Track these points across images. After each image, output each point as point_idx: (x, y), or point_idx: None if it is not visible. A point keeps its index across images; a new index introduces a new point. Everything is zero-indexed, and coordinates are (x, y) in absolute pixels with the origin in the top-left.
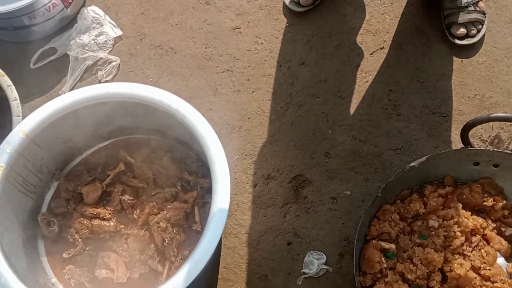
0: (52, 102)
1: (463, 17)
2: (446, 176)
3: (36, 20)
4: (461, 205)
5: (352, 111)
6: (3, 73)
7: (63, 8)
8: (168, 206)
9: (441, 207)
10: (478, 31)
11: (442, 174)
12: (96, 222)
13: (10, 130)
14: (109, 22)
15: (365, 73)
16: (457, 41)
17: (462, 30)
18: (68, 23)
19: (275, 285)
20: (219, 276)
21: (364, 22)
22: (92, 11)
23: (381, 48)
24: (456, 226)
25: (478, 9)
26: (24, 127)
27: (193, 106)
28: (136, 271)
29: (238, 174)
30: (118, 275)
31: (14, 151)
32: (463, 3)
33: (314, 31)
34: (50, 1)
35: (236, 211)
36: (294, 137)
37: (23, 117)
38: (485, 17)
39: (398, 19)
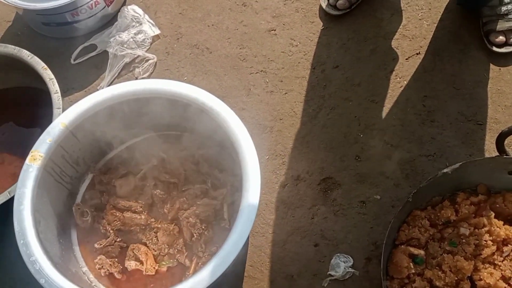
0: (92, 96)
1: (502, 25)
2: (479, 184)
3: (78, 17)
4: (493, 214)
5: (384, 115)
6: (45, 66)
7: (105, 7)
8: (198, 202)
9: (473, 215)
10: None
11: (475, 182)
12: (128, 214)
13: (50, 122)
14: (148, 21)
15: (400, 78)
16: (496, 49)
17: (501, 38)
18: (108, 21)
19: (300, 286)
20: (245, 274)
21: (401, 27)
22: (132, 10)
23: (417, 54)
24: (488, 235)
25: None
26: (64, 119)
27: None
28: (164, 264)
29: (268, 174)
30: (147, 267)
31: (53, 142)
32: (502, 10)
33: (349, 34)
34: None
35: (264, 210)
36: (325, 139)
37: (63, 110)
38: None
39: (436, 25)
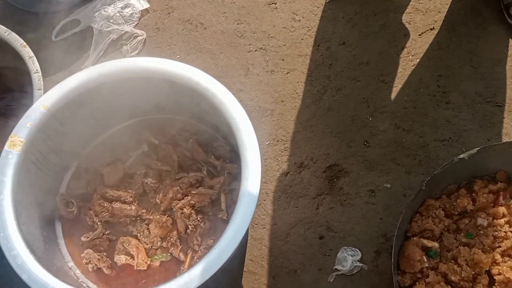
0: (75, 76)
1: None
2: (498, 171)
3: None
4: None
5: (395, 97)
6: (24, 43)
7: None
8: (193, 192)
9: (492, 204)
10: None
11: (494, 169)
12: (116, 205)
13: (31, 104)
14: None
15: (412, 55)
16: None
17: None
18: None
19: (304, 281)
20: (245, 269)
21: None
22: None
23: (431, 29)
24: (507, 225)
25: None
26: (45, 101)
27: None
28: (157, 258)
29: (269, 161)
30: (138, 262)
31: (34, 126)
32: None
33: (357, 8)
34: None
35: (265, 200)
36: (330, 123)
37: (44, 91)
38: None
39: None
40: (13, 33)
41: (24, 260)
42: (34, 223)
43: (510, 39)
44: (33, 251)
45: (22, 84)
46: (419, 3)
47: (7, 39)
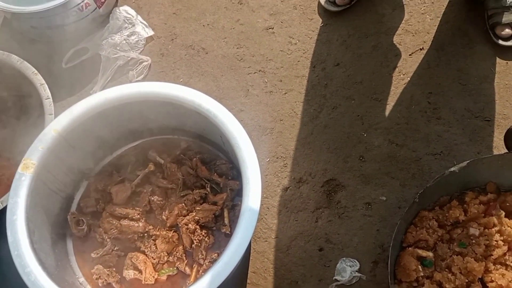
0: (85, 101)
1: (508, 17)
2: (488, 182)
3: (68, 20)
4: (504, 213)
5: (388, 113)
6: (36, 71)
7: (96, 8)
8: (197, 208)
9: (483, 214)
10: None
11: (484, 181)
12: (125, 222)
13: (42, 128)
14: (141, 22)
15: (403, 74)
16: (502, 42)
17: (507, 31)
18: (100, 23)
19: None
20: (248, 281)
21: (403, 22)
22: (124, 11)
23: (420, 49)
24: (498, 234)
25: None
26: (56, 125)
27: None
28: (164, 272)
29: (269, 177)
30: (146, 276)
31: (46, 149)
32: (508, 2)
33: (350, 31)
34: (83, 1)
35: (266, 214)
36: (327, 140)
37: (55, 116)
38: None
39: (439, 19)
40: (25, 62)
41: (37, 277)
42: (46, 241)
43: (496, 57)
44: (45, 268)
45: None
46: (409, 25)
47: (20, 67)
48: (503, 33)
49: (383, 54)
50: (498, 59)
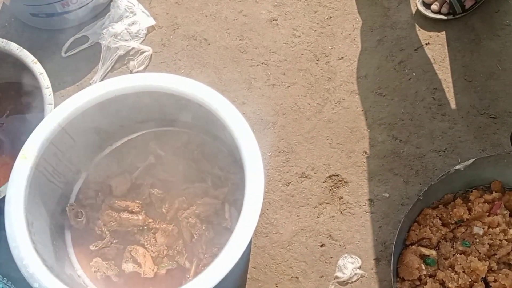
0: (85, 91)
1: None
2: (493, 181)
3: (69, 8)
4: (508, 212)
5: (393, 109)
6: (35, 60)
7: None
8: (198, 202)
9: (487, 213)
10: None
11: (489, 179)
12: (124, 215)
13: (42, 118)
14: (142, 11)
15: (408, 69)
16: (428, 13)
17: (437, 4)
18: (101, 11)
19: None
20: (248, 276)
21: (409, 16)
22: None
23: (426, 44)
24: (503, 234)
25: None
26: (55, 116)
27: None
28: (163, 266)
29: (271, 171)
30: (145, 269)
31: (45, 139)
32: None
33: (354, 24)
34: None
35: (267, 209)
36: (330, 134)
37: (55, 106)
38: None
39: None
40: (25, 50)
41: (35, 269)
42: (45, 232)
43: (503, 53)
44: (43, 260)
45: (34, 98)
46: (414, 19)
47: (19, 55)
48: (433, 6)
49: (388, 48)
50: (504, 56)
